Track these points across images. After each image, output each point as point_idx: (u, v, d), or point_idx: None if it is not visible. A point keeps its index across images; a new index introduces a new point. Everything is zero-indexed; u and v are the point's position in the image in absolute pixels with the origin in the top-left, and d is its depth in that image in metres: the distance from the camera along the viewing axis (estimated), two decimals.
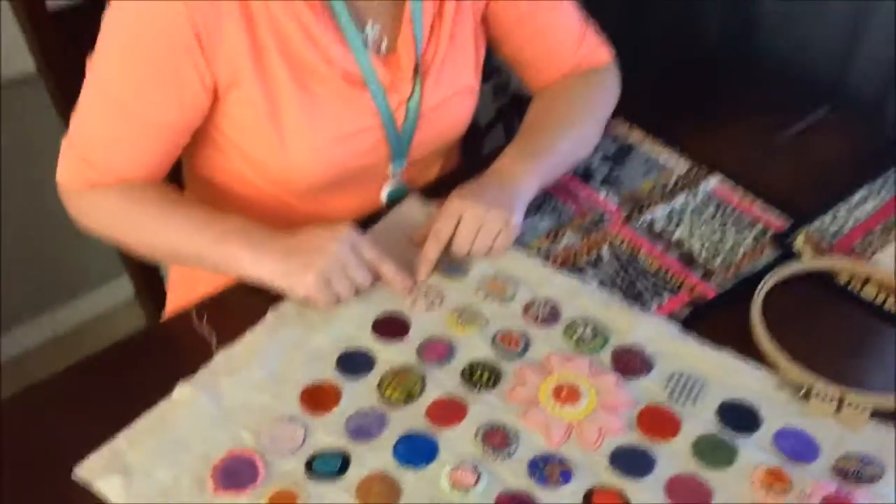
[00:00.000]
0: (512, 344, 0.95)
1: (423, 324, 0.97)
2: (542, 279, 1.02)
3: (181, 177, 1.20)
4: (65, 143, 1.00)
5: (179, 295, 1.23)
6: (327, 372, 0.92)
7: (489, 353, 0.94)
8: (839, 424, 0.88)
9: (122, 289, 2.09)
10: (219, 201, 1.11)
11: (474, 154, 1.62)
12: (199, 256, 0.97)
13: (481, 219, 0.99)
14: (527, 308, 0.99)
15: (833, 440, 0.86)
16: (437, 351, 0.94)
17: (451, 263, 1.02)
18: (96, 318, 2.16)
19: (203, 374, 0.91)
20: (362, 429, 0.87)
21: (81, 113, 0.99)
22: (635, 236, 1.08)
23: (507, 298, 1.00)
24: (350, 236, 0.94)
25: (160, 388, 0.89)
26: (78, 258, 2.02)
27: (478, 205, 0.98)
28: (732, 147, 1.21)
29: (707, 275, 1.03)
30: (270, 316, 0.97)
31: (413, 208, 1.10)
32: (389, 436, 0.87)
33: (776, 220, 1.11)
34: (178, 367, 0.91)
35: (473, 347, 0.95)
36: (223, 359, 0.92)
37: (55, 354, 2.02)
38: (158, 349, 0.97)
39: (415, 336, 0.96)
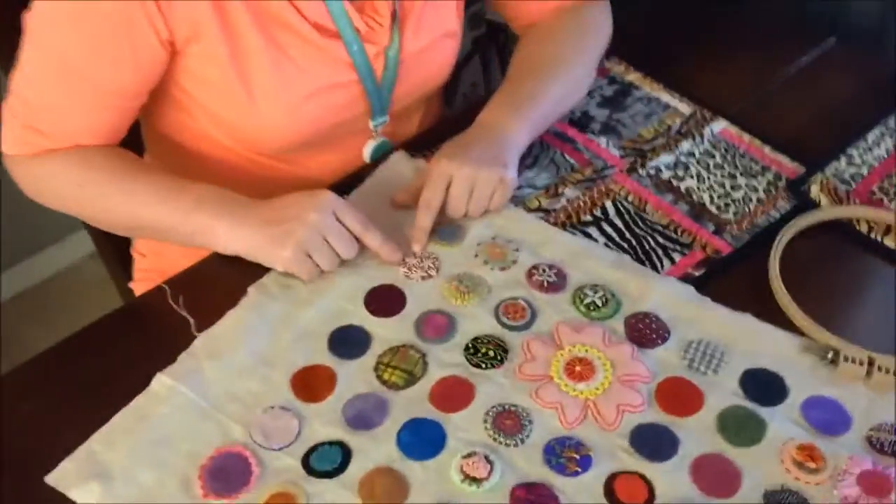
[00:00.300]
0: (517, 314, 0.90)
1: (420, 295, 0.92)
2: (545, 240, 0.97)
3: (139, 140, 1.13)
4: (5, 110, 0.93)
5: (145, 252, 1.19)
6: (319, 353, 0.87)
7: (493, 325, 0.89)
8: (869, 391, 0.83)
9: (84, 243, 1.98)
10: (184, 165, 1.05)
11: (450, 89, 1.62)
12: (166, 229, 0.91)
13: (472, 180, 0.94)
14: (530, 273, 0.94)
15: (863, 408, 0.82)
16: (437, 325, 0.89)
17: (445, 226, 0.97)
18: (60, 273, 2.08)
19: (183, 360, 0.85)
20: (361, 416, 0.81)
21: (24, 76, 0.90)
22: (641, 189, 1.04)
23: (509, 263, 0.95)
24: (331, 202, 0.89)
25: (136, 376, 0.83)
26: (38, 214, 1.93)
27: (467, 165, 0.93)
28: (735, 86, 1.16)
29: (720, 229, 0.99)
30: (252, 291, 0.91)
31: (400, 164, 1.05)
32: (391, 424, 0.81)
33: (788, 165, 1.06)
34: (155, 352, 0.85)
35: (476, 320, 0.90)
36: (204, 342, 0.86)
37: (21, 310, 1.98)
38: (133, 331, 0.91)
39: (411, 309, 0.91)
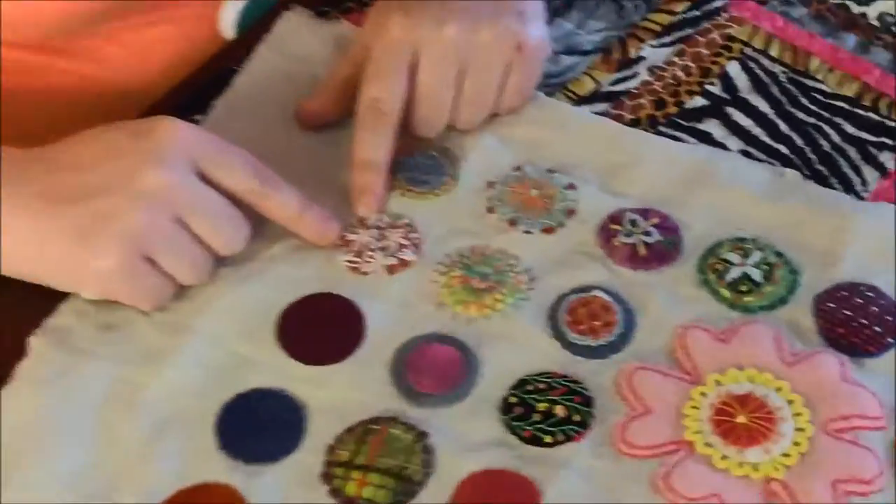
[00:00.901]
0: (595, 322, 0.70)
1: (391, 307, 0.73)
2: (624, 159, 0.80)
3: None
4: None
5: None
6: (202, 457, 0.68)
7: (550, 350, 0.70)
8: None
9: None
10: None
11: None
12: None
13: (460, 51, 0.81)
14: (606, 232, 0.74)
15: None
16: (437, 366, 0.70)
17: (418, 156, 0.82)
18: None
19: None
20: None
21: None
22: (794, 30, 0.87)
23: (558, 216, 0.76)
24: (185, 140, 0.75)
25: None
26: None
27: (446, 22, 0.81)
28: None
29: None
30: (38, 346, 0.73)
31: (299, 36, 0.91)
32: None
33: None
34: None
35: (513, 345, 0.70)
36: None
37: None
38: None
39: (378, 339, 0.71)
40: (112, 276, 0.70)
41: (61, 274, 0.71)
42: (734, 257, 0.73)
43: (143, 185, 0.70)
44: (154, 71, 0.94)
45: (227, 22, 0.96)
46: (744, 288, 0.72)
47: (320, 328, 0.73)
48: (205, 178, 0.71)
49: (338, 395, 0.68)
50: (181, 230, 0.71)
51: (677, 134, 0.81)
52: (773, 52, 0.87)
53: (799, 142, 0.81)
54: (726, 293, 0.71)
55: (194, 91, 0.88)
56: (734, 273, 0.72)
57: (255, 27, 0.92)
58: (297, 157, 0.81)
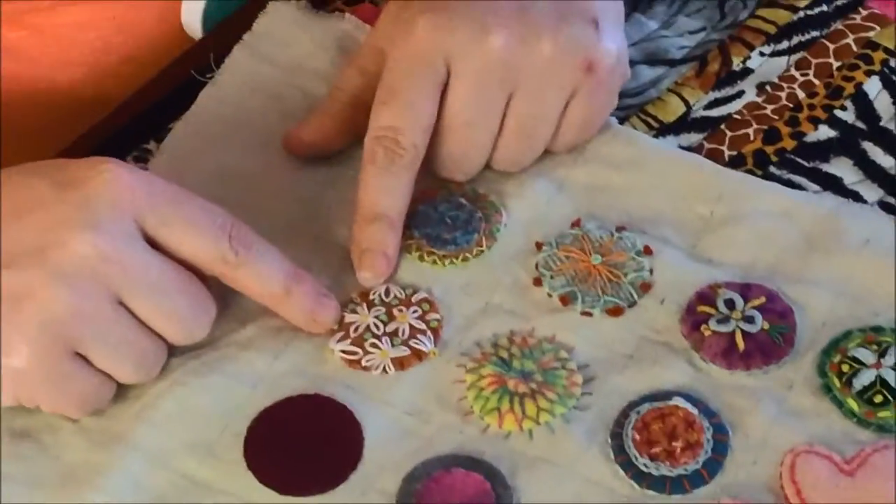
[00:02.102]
0: (673, 440, 0.68)
1: (397, 417, 0.71)
2: (724, 211, 0.78)
3: None
4: None
5: None
6: None
7: (607, 479, 0.68)
8: None
9: None
10: None
11: None
12: None
13: (509, 67, 0.79)
14: (690, 311, 0.72)
15: None
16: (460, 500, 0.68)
17: (440, 203, 0.81)
18: None
19: None
20: None
21: None
22: None
23: (627, 288, 0.74)
24: (128, 190, 0.73)
25: None
26: None
27: (495, 28, 0.79)
28: None
29: None
30: None
31: (289, 36, 0.91)
32: None
33: None
34: None
35: (559, 471, 0.68)
36: None
37: None
38: None
39: (381, 461, 0.69)
40: (27, 377, 0.68)
41: None
42: (867, 355, 0.69)
43: (70, 255, 0.68)
44: (82, 66, 0.95)
45: (192, 15, 0.95)
46: (878, 399, 0.68)
47: (303, 444, 0.70)
48: (154, 244, 0.70)
49: None
50: (120, 315, 0.69)
51: (794, 177, 0.77)
52: None
53: None
54: (854, 405, 0.68)
55: (147, 108, 0.86)
56: (866, 377, 0.69)
57: (229, 22, 0.91)
58: (281, 201, 0.78)
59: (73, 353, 0.69)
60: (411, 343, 0.72)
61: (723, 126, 0.81)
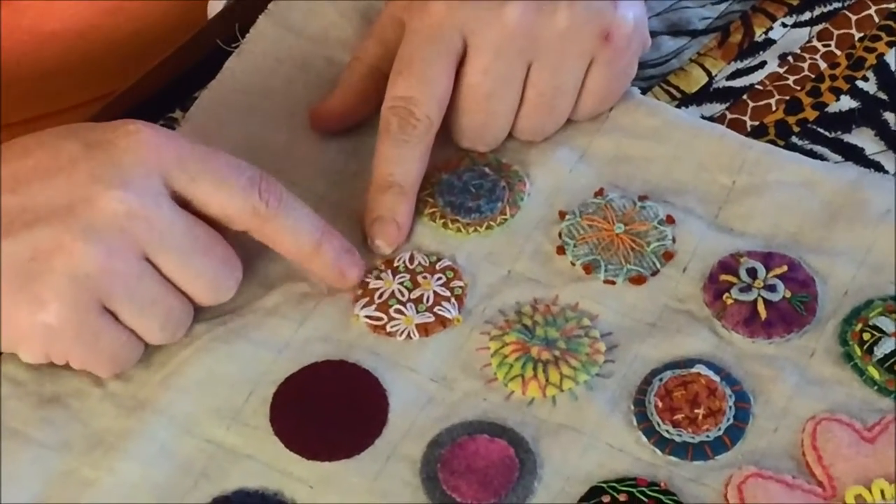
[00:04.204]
0: (695, 407, 0.68)
1: (422, 383, 0.71)
2: (746, 180, 0.78)
3: None
4: None
5: None
6: None
7: (630, 446, 0.67)
8: None
9: None
10: None
11: None
12: None
13: (527, 37, 0.80)
14: (713, 280, 0.72)
15: None
16: (482, 471, 0.67)
17: (462, 173, 0.80)
18: None
19: None
20: None
21: None
22: None
23: (650, 257, 0.74)
24: (155, 150, 0.73)
25: None
26: None
27: (511, 3, 0.79)
28: None
29: None
30: None
31: (313, 6, 0.91)
32: None
33: None
34: None
35: (582, 438, 0.67)
36: None
37: None
38: None
39: (405, 428, 0.69)
40: (57, 332, 0.68)
41: None
42: (888, 324, 0.69)
43: (98, 212, 0.68)
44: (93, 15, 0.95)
45: None
46: None
47: (328, 410, 0.70)
48: (182, 202, 0.70)
49: (349, 502, 0.68)
50: (148, 272, 0.69)
51: (816, 148, 0.78)
52: None
53: None
54: (876, 373, 0.68)
55: (171, 79, 0.86)
56: (887, 345, 0.68)
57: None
58: (306, 170, 0.79)
59: (102, 309, 0.70)
60: (436, 310, 0.72)
61: (745, 96, 0.82)
